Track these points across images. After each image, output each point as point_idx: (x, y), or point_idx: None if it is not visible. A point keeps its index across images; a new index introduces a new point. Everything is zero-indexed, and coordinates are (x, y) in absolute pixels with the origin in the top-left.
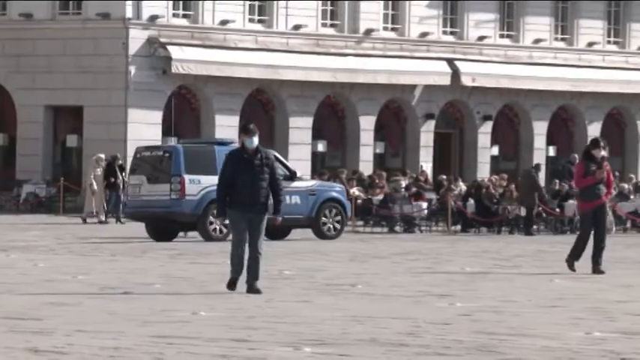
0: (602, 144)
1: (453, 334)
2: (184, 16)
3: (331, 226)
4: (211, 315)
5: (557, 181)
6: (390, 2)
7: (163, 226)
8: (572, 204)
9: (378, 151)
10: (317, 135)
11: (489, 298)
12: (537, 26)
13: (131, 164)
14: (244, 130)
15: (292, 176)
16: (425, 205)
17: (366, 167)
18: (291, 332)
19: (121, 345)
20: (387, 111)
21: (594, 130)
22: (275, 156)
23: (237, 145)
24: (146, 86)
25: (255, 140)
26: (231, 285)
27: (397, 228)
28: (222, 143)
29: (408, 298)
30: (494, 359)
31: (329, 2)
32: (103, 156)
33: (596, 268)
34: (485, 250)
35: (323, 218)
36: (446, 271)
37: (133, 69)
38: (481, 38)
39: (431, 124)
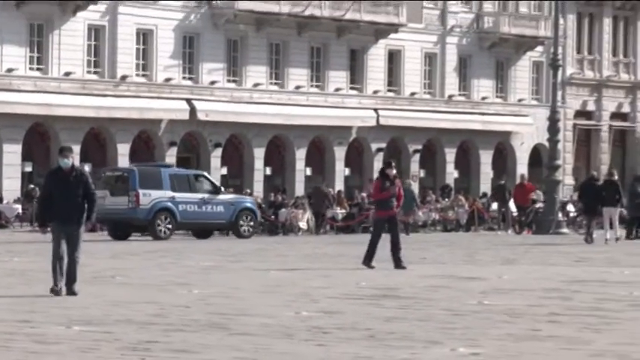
0: (393, 164)
1: (191, 314)
2: None
3: (246, 229)
4: (0, 303)
5: (272, 194)
6: (141, 54)
7: (121, 229)
8: (284, 212)
9: None
10: (84, 159)
11: (220, 286)
12: (256, 73)
13: (97, 182)
14: (60, 152)
15: (217, 191)
16: None
17: None
18: (64, 315)
19: None
20: (140, 140)
21: (301, 154)
22: (204, 175)
23: (174, 167)
24: None
25: (69, 160)
26: (53, 292)
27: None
28: (166, 166)
29: (156, 287)
30: (224, 334)
31: (92, 54)
32: None
33: (399, 265)
34: (217, 249)
35: (240, 222)
36: (186, 265)
37: None
38: (212, 82)
39: (174, 150)
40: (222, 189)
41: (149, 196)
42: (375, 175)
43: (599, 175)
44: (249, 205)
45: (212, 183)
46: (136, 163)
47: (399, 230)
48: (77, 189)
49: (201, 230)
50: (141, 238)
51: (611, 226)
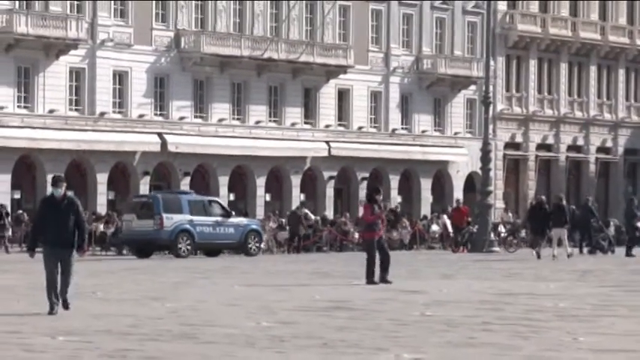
0: (381, 191)
1: (164, 325)
2: None
3: (254, 248)
4: None
5: None
6: (117, 93)
7: (145, 247)
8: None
9: (110, 197)
10: (67, 187)
11: (189, 300)
12: (220, 110)
13: (124, 207)
14: (53, 181)
15: (228, 214)
16: None
17: (102, 209)
18: (49, 326)
19: None
20: (117, 170)
21: (261, 182)
22: (217, 201)
23: (193, 194)
24: None
25: (62, 189)
26: (51, 312)
27: (125, 251)
28: (185, 193)
29: (132, 301)
30: (193, 342)
31: (74, 93)
32: None
33: (385, 279)
34: (187, 267)
35: (248, 242)
36: (159, 281)
37: None
38: (181, 118)
39: (147, 179)
40: (233, 213)
41: (171, 220)
42: (329, 199)
43: (527, 199)
44: (255, 227)
45: (223, 208)
46: (157, 191)
47: (387, 248)
48: (69, 215)
49: (213, 250)
50: (156, 257)
51: (560, 244)
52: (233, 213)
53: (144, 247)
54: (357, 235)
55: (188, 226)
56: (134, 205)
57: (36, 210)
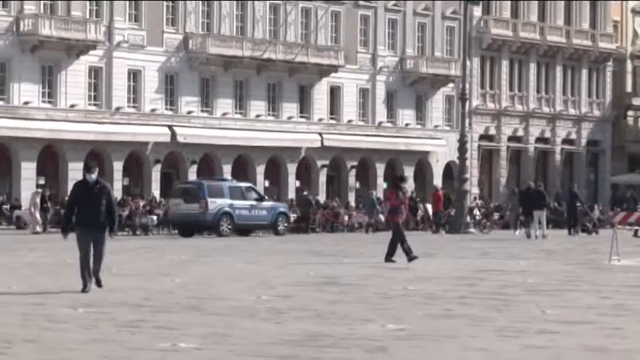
0: (405, 179)
1: (174, 298)
2: (0, 99)
3: (282, 228)
4: (19, 289)
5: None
6: (132, 89)
7: (190, 228)
8: None
9: (125, 183)
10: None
11: (196, 276)
12: (224, 105)
13: (172, 192)
14: (86, 167)
15: (262, 199)
16: (155, 217)
17: (118, 194)
18: (70, 298)
19: None
20: (131, 158)
21: (261, 169)
22: (252, 187)
23: (231, 180)
24: None
25: (95, 174)
26: (84, 290)
27: (138, 232)
28: (225, 180)
29: (143, 276)
30: (201, 314)
31: (93, 89)
32: (40, 190)
33: (389, 259)
34: (193, 245)
35: (278, 223)
36: (168, 259)
37: None
38: (189, 112)
39: (159, 167)
40: (266, 197)
41: (215, 204)
42: (322, 185)
43: (499, 186)
44: (283, 209)
45: (257, 193)
46: (202, 177)
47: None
48: (101, 199)
49: (249, 229)
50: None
51: (540, 225)
52: (266, 197)
53: (190, 227)
54: (346, 218)
55: (229, 209)
56: (180, 190)
57: (60, 194)
